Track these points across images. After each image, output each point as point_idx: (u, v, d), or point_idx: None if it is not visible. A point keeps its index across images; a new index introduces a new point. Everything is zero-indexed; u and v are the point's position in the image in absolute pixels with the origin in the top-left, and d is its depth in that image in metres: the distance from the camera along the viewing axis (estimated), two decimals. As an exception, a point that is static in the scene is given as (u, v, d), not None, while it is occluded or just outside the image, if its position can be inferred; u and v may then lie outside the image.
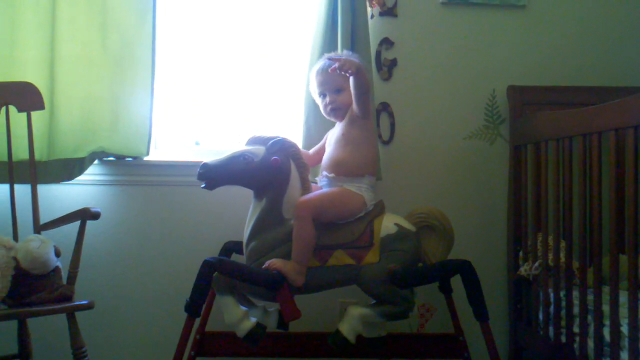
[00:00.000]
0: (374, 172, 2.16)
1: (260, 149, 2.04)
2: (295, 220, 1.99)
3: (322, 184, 2.17)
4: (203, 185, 1.99)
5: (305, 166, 2.09)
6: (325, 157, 2.18)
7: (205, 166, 1.97)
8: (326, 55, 2.19)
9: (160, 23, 2.55)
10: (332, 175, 2.12)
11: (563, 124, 2.11)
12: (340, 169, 2.10)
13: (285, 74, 2.74)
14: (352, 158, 2.10)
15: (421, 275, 2.05)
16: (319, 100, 2.22)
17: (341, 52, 2.28)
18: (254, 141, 2.09)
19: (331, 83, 2.14)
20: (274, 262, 1.96)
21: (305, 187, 2.08)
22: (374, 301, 2.06)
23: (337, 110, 2.16)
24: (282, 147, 2.04)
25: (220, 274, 1.94)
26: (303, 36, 2.64)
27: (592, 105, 1.96)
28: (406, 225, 2.09)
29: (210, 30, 2.74)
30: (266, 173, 2.01)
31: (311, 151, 2.33)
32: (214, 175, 1.97)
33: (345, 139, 2.12)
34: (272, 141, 2.04)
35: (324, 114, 2.22)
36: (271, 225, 2.02)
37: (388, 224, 2.07)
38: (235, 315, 1.95)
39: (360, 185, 2.09)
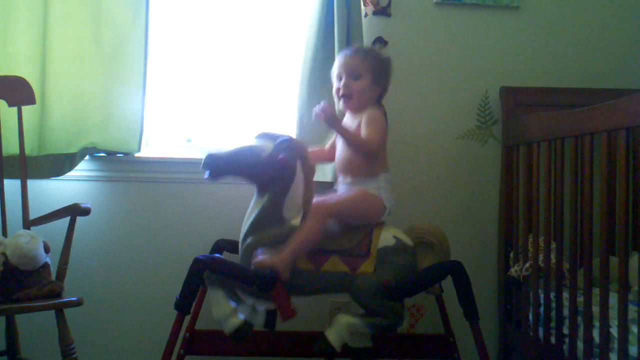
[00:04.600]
0: (387, 168, 2.14)
1: (268, 145, 2.01)
2: (309, 218, 1.97)
3: (341, 189, 2.14)
4: (206, 175, 1.96)
5: (311, 168, 2.06)
6: (337, 157, 2.17)
7: (210, 155, 1.94)
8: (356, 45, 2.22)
9: (153, 19, 2.53)
10: (348, 180, 2.11)
11: (555, 125, 2.11)
12: (353, 169, 2.09)
13: (280, 71, 2.72)
14: (362, 157, 2.08)
15: (415, 284, 1.99)
16: (335, 82, 2.17)
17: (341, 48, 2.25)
18: (263, 137, 2.07)
19: (352, 67, 2.11)
20: (263, 261, 1.93)
21: (309, 190, 2.04)
22: (364, 311, 2.02)
23: (348, 98, 2.12)
24: (290, 147, 2.01)
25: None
26: (297, 32, 2.63)
27: (584, 107, 1.96)
28: (405, 239, 2.05)
29: (203, 27, 2.72)
30: (271, 170, 1.98)
31: (327, 146, 2.30)
32: (219, 165, 1.95)
33: None
34: (281, 139, 2.01)
35: (334, 98, 2.18)
36: (270, 224, 1.99)
37: (387, 236, 2.03)
38: (224, 311, 1.94)
39: (378, 185, 2.08)
